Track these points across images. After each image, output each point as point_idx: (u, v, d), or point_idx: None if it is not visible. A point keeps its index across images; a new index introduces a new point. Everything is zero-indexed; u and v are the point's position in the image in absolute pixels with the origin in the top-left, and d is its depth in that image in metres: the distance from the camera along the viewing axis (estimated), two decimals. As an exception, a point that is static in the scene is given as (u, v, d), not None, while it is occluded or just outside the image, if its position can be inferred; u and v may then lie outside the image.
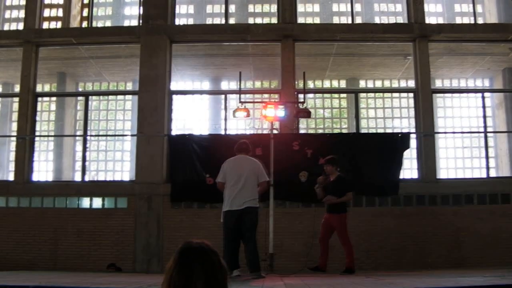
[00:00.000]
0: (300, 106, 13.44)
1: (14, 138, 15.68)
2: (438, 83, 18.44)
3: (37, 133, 16.02)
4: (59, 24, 18.25)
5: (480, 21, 16.71)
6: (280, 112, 12.16)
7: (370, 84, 19.05)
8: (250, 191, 9.62)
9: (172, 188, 13.59)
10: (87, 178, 15.90)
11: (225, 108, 15.50)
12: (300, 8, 16.53)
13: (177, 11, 15.94)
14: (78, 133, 18.65)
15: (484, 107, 15.58)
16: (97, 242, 13.39)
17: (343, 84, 18.91)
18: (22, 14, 16.73)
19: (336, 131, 19.08)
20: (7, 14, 19.85)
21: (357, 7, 17.25)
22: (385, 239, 13.13)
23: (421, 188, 13.69)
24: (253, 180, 9.67)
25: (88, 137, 17.32)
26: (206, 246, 2.61)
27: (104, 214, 13.74)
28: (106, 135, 20.23)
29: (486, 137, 16.00)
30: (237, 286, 7.60)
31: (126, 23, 19.46)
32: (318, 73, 17.88)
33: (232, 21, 16.81)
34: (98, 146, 20.18)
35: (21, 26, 16.05)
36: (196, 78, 18.71)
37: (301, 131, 15.48)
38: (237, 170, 9.69)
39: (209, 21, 19.45)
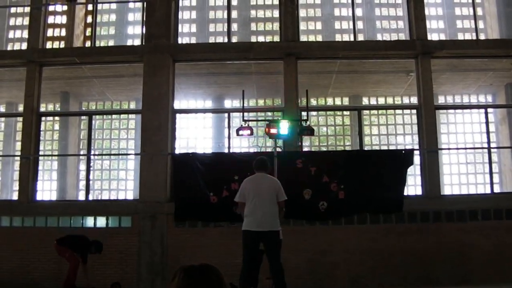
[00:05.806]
0: (304, 123, 13.45)
1: (18, 158, 15.69)
2: (441, 99, 18.47)
3: (41, 153, 16.05)
4: (62, 44, 18.41)
5: (482, 37, 16.80)
6: (284, 130, 12.16)
7: (373, 101, 19.08)
8: (270, 210, 9.13)
9: (176, 207, 13.49)
10: (91, 197, 15.93)
11: (229, 127, 15.48)
12: (302, 26, 16.64)
13: (180, 30, 16.02)
14: (82, 152, 18.71)
15: (487, 122, 15.51)
16: (101, 261, 13.30)
17: (346, 101, 18.97)
18: (25, 34, 16.88)
19: (339, 148, 19.10)
20: (11, 34, 20.03)
21: (359, 25, 17.36)
22: (390, 256, 13.06)
23: (425, 205, 13.62)
24: (272, 198, 9.20)
25: (92, 156, 17.38)
26: (209, 264, 2.67)
27: (108, 233, 13.67)
28: (110, 154, 20.26)
29: (489, 153, 15.94)
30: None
31: (129, 42, 19.63)
32: (321, 91, 17.91)
33: (234, 39, 16.93)
34: (102, 165, 20.21)
35: (24, 46, 16.17)
36: (199, 97, 18.76)
37: (305, 149, 15.47)
38: (256, 189, 9.25)
39: (211, 39, 19.59)
